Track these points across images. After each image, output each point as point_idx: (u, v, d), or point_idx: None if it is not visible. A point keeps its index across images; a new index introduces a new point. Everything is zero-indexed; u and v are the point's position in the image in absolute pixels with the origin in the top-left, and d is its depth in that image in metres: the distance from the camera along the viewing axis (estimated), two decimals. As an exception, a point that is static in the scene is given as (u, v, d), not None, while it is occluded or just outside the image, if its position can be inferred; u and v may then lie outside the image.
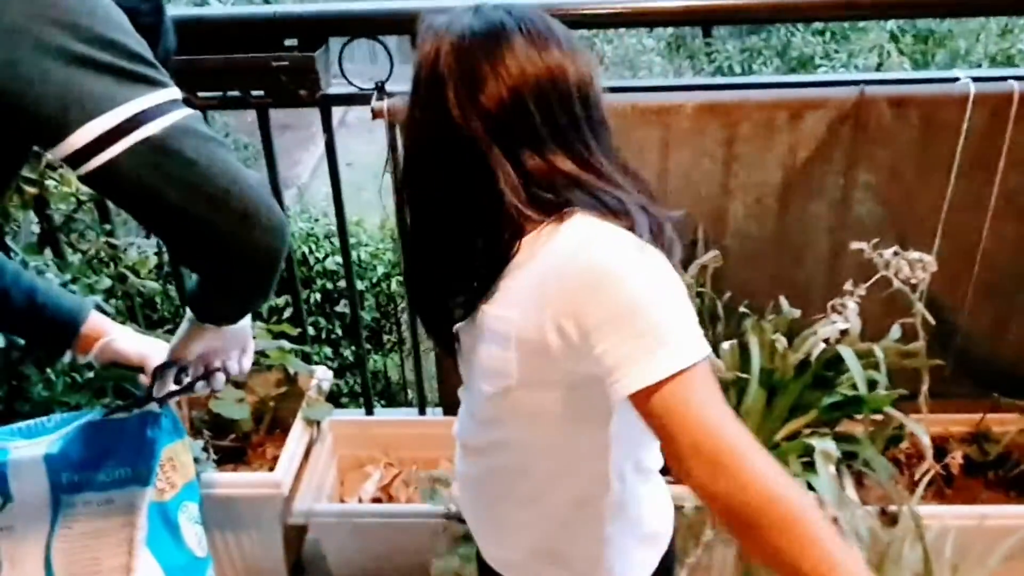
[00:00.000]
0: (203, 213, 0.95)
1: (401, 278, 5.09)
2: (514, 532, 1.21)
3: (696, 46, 5.43)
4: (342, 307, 5.04)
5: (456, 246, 1.07)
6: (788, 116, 1.79)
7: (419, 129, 1.05)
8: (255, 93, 1.85)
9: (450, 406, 2.31)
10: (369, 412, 2.43)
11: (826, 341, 1.62)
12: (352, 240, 5.12)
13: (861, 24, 4.33)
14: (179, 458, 1.48)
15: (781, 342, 1.62)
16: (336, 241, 5.14)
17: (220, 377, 1.35)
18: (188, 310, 1.25)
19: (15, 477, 1.37)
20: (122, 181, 0.93)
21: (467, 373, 1.15)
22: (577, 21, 1.87)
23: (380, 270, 5.27)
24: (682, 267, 1.80)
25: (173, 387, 1.35)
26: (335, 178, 2.07)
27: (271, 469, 2.05)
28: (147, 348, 1.39)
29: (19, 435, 1.42)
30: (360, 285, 5.16)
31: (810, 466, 1.57)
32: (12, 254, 1.75)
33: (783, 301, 1.79)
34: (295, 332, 2.20)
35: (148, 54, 0.98)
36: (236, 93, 1.84)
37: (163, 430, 1.44)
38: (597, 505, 1.12)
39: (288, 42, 1.82)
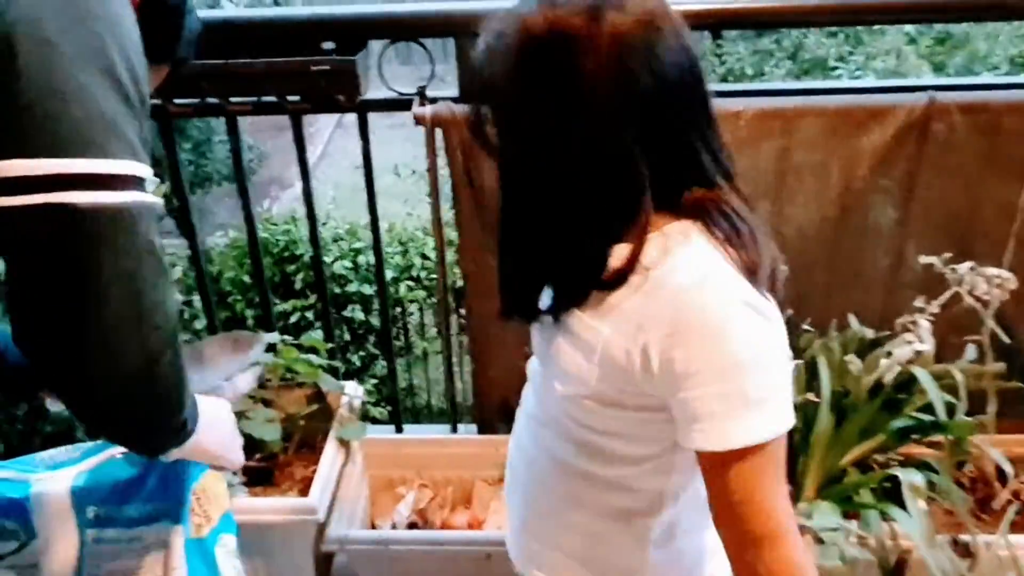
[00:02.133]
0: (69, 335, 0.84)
1: (410, 283, 5.04)
2: (556, 529, 1.20)
3: (706, 48, 5.36)
4: (349, 312, 4.96)
5: (561, 249, 0.98)
6: (852, 124, 1.72)
7: (538, 126, 0.93)
8: (291, 98, 1.77)
9: (485, 423, 2.23)
10: (399, 430, 2.35)
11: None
12: (360, 244, 5.11)
13: (876, 26, 4.29)
14: (212, 489, 1.41)
15: (855, 364, 1.54)
16: (344, 244, 5.08)
17: None
18: None
19: (38, 512, 1.31)
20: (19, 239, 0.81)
21: (543, 354, 1.11)
22: None
23: (388, 275, 5.19)
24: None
25: None
26: (370, 186, 2.00)
27: (301, 491, 1.97)
28: None
29: (43, 467, 1.36)
30: (368, 289, 5.10)
31: (887, 495, 1.50)
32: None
33: (852, 319, 1.71)
34: (326, 347, 2.12)
35: (146, 101, 0.88)
36: (271, 98, 1.75)
37: (192, 462, 1.37)
38: (646, 524, 1.11)
39: (326, 45, 1.74)
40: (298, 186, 7.42)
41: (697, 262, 0.91)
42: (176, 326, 0.93)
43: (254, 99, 1.77)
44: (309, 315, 4.93)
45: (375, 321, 5.15)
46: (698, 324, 0.88)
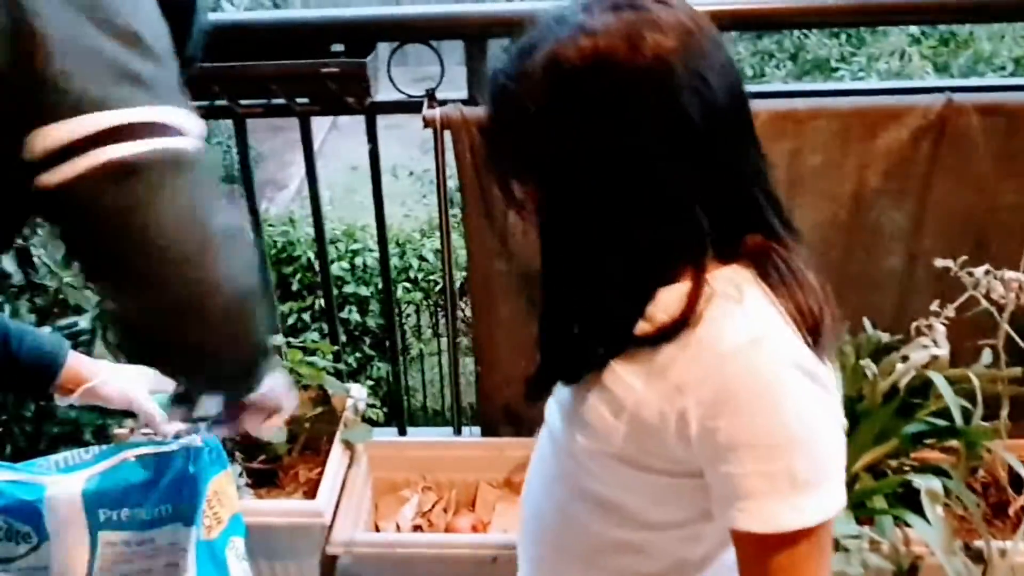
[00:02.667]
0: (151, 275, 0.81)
1: (407, 285, 5.03)
2: None
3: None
4: (346, 313, 4.95)
5: (606, 299, 0.88)
6: (867, 126, 1.71)
7: (578, 171, 0.81)
8: (300, 100, 1.76)
9: (489, 426, 2.22)
10: (402, 432, 2.33)
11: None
12: (357, 245, 5.10)
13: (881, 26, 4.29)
14: (224, 490, 1.40)
15: (871, 368, 1.53)
16: (341, 246, 5.06)
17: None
18: None
19: (51, 515, 1.30)
20: (76, 210, 0.78)
21: (564, 401, 0.99)
22: None
23: (380, 274, 5.17)
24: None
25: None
26: (377, 189, 1.98)
27: (305, 493, 1.97)
28: (133, 389, 1.29)
29: (55, 469, 1.35)
30: (365, 291, 5.08)
31: (901, 500, 1.50)
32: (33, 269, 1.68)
33: (867, 323, 1.70)
34: (331, 349, 2.11)
35: (167, 53, 0.84)
36: (280, 101, 1.74)
37: (206, 463, 1.36)
38: None
39: (335, 47, 1.73)
40: (293, 187, 7.42)
41: (750, 319, 0.82)
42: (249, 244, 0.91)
43: (263, 102, 1.76)
44: (306, 317, 4.92)
45: (372, 323, 5.14)
46: (747, 392, 0.80)
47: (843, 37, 4.59)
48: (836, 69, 4.54)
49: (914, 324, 1.59)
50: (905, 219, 1.79)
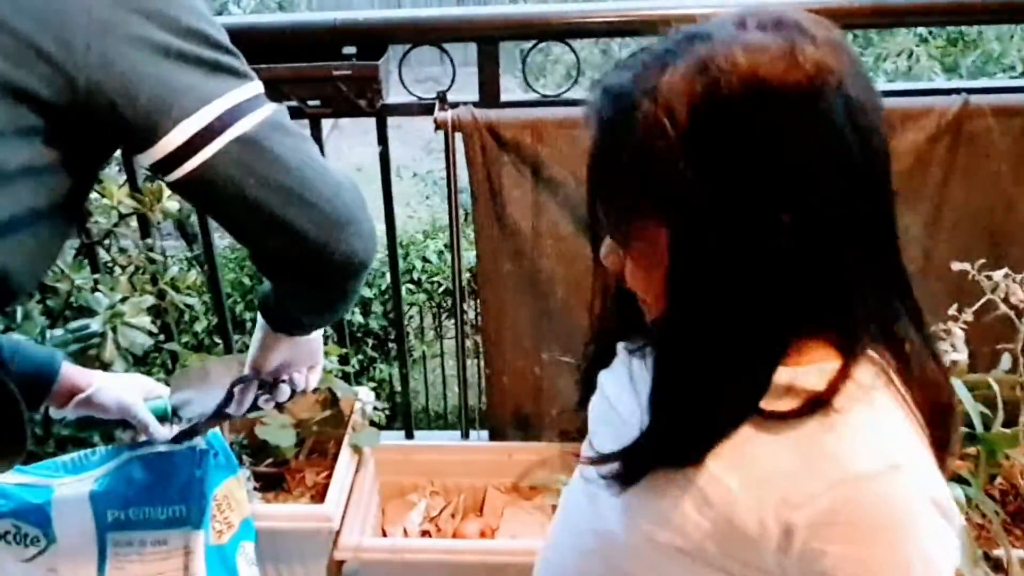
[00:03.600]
0: (299, 221, 0.88)
1: (410, 286, 5.01)
2: None
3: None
4: (349, 314, 4.91)
5: (728, 370, 0.75)
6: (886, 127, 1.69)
7: (730, 187, 0.68)
8: (311, 103, 1.75)
9: (497, 430, 2.21)
10: (409, 436, 2.32)
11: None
12: (361, 247, 5.09)
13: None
14: (234, 495, 1.40)
15: (888, 373, 1.51)
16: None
17: (285, 389, 1.24)
18: (261, 318, 1.16)
19: (59, 517, 1.29)
20: (217, 185, 0.86)
21: (640, 500, 0.84)
22: (592, 30, 1.83)
23: (389, 278, 5.14)
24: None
25: (250, 403, 1.26)
26: (387, 192, 1.97)
27: (313, 497, 1.96)
28: (128, 397, 1.27)
29: (64, 470, 1.35)
30: (368, 292, 5.06)
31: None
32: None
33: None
34: (339, 352, 2.10)
35: (228, 41, 0.89)
36: (292, 103, 1.73)
37: (213, 467, 1.36)
38: None
39: (346, 50, 1.72)
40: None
41: (885, 438, 0.72)
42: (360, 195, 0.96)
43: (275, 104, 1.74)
44: (308, 318, 4.89)
45: (374, 324, 5.12)
46: (874, 523, 0.70)
47: (849, 37, 4.55)
48: None
49: (932, 329, 1.57)
50: (920, 222, 1.77)
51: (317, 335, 1.21)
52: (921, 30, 3.94)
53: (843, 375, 0.72)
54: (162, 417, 1.31)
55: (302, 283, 0.99)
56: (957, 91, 1.70)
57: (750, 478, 0.75)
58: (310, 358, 1.24)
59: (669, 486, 0.79)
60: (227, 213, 0.90)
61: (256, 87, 0.88)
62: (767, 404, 0.74)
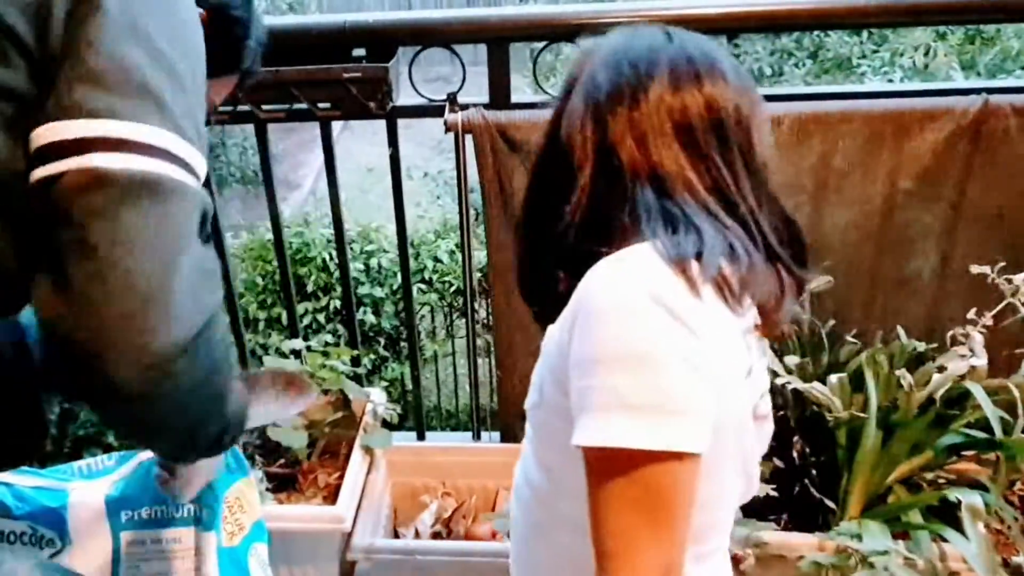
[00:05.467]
0: (87, 302, 0.77)
1: (422, 286, 5.01)
2: (527, 568, 1.10)
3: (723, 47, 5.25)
4: (361, 314, 4.93)
5: (545, 244, 0.97)
6: (901, 129, 1.67)
7: (556, 146, 0.95)
8: (321, 105, 1.74)
9: (508, 430, 2.20)
10: (421, 437, 2.32)
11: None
12: (372, 247, 5.08)
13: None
14: (245, 497, 1.40)
15: (906, 378, 1.50)
16: (356, 247, 5.05)
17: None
18: None
19: (74, 519, 1.31)
20: (51, 206, 0.77)
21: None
22: (602, 30, 1.76)
23: (400, 277, 5.15)
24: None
25: None
26: (398, 193, 1.97)
27: (325, 498, 1.95)
28: None
29: (80, 475, 1.37)
30: (379, 292, 5.06)
31: (936, 514, 1.46)
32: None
33: (900, 332, 1.67)
34: (350, 355, 2.10)
35: (195, 84, 0.86)
36: (302, 105, 1.72)
37: (224, 469, 1.36)
38: None
39: (356, 52, 1.71)
40: (306, 187, 7.40)
41: (617, 257, 0.85)
42: (219, 328, 0.87)
43: (285, 106, 1.74)
44: (321, 318, 4.91)
45: (386, 324, 5.12)
46: (590, 309, 0.82)
47: (864, 34, 4.48)
48: (858, 67, 4.44)
49: (950, 333, 1.55)
50: (938, 223, 1.75)
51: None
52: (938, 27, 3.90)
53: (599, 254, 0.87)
54: None
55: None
56: (976, 91, 1.68)
57: (559, 320, 0.89)
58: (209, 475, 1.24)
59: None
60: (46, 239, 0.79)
61: (158, 135, 0.80)
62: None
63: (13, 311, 0.87)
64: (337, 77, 1.66)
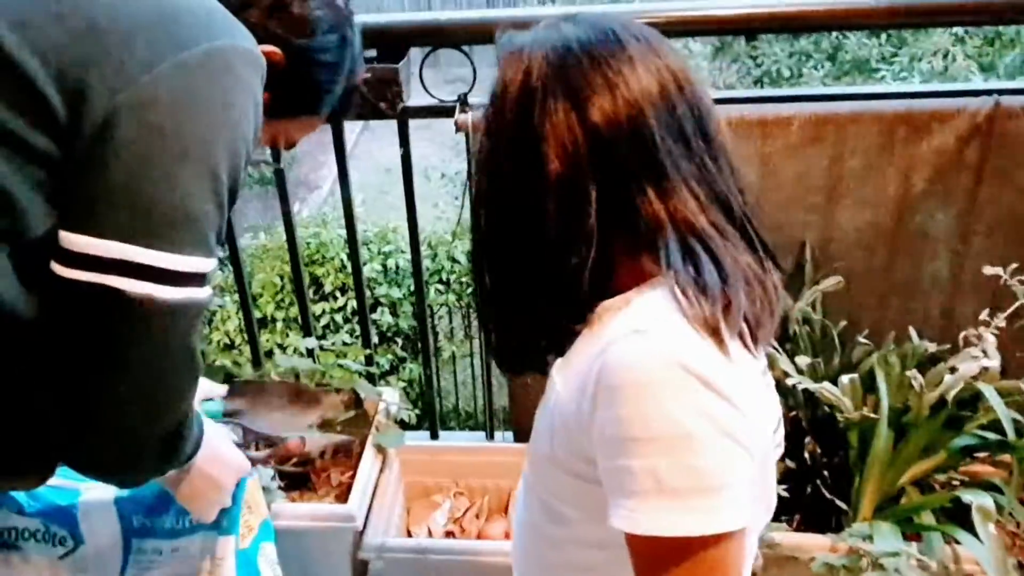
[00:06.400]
0: (98, 401, 0.85)
1: (440, 286, 5.02)
2: None
3: (741, 49, 5.24)
4: (378, 315, 4.95)
5: (533, 293, 0.89)
6: (911, 129, 1.66)
7: (502, 162, 0.87)
8: (333, 105, 1.75)
9: (522, 431, 2.20)
10: (434, 436, 2.32)
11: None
12: (389, 247, 5.10)
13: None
14: (252, 497, 1.40)
15: (918, 379, 1.49)
16: (373, 248, 5.07)
17: None
18: None
19: (85, 519, 1.32)
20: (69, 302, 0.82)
21: (534, 427, 1.00)
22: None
23: (413, 277, 5.16)
24: (790, 291, 1.71)
25: None
26: (410, 193, 1.97)
27: (337, 497, 1.96)
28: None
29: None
30: (397, 293, 5.08)
31: (949, 516, 1.45)
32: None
33: (912, 333, 1.66)
34: (363, 352, 2.10)
35: (231, 192, 0.88)
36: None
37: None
38: None
39: (367, 53, 1.71)
40: (326, 188, 7.44)
41: (640, 307, 0.81)
42: (187, 409, 0.94)
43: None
44: (338, 318, 4.94)
45: (404, 324, 5.14)
46: (620, 382, 0.76)
47: (883, 37, 4.46)
48: (876, 70, 4.41)
49: (963, 334, 1.54)
50: (951, 225, 1.74)
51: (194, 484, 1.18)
52: (957, 29, 3.87)
53: (597, 297, 0.85)
54: (214, 420, 1.33)
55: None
56: (988, 92, 1.66)
57: (570, 372, 0.86)
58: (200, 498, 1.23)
59: (540, 406, 0.94)
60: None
61: (187, 262, 0.84)
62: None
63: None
64: (348, 77, 1.66)
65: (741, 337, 0.80)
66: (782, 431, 0.96)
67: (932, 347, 1.62)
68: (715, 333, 0.77)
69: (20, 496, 1.30)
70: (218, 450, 1.17)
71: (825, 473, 1.62)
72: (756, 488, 0.83)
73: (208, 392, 1.34)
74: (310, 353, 2.09)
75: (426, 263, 5.05)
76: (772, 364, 1.59)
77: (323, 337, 4.64)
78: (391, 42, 1.70)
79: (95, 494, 1.32)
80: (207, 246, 0.85)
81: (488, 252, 0.94)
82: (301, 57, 1.02)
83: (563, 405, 0.86)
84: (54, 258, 0.81)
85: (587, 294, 0.84)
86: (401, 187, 1.96)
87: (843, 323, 1.70)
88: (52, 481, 1.32)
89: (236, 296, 2.56)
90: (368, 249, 5.05)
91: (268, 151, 1.74)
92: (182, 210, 0.82)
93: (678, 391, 0.75)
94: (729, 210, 0.86)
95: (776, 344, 1.62)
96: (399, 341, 5.10)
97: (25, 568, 1.30)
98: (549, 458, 0.90)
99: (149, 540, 1.34)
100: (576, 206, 0.82)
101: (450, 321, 5.20)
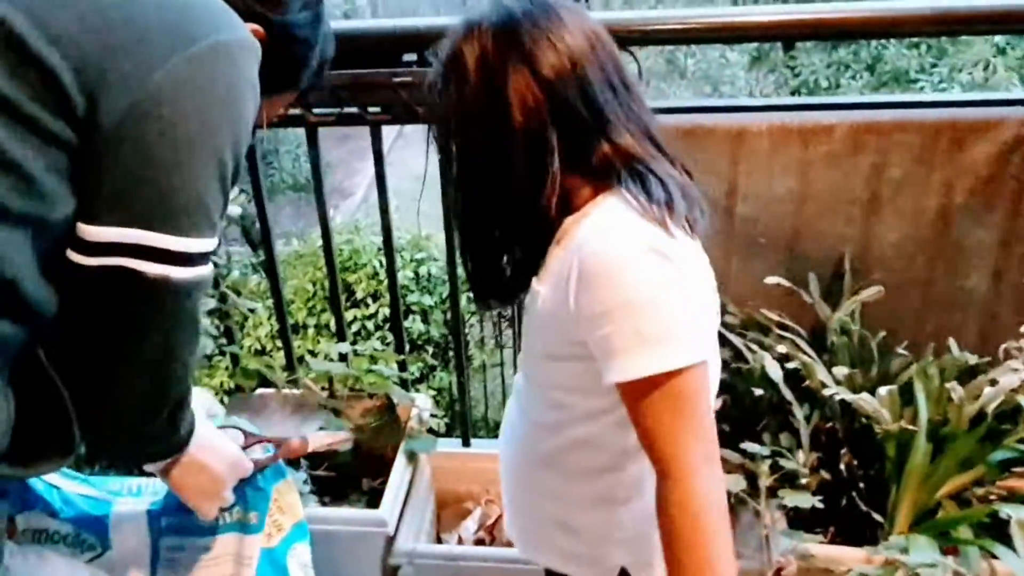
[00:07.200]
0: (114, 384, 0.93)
1: (471, 294, 5.01)
2: (533, 496, 1.28)
3: (779, 59, 5.19)
4: (409, 322, 4.96)
5: (508, 230, 1.11)
6: (953, 139, 1.64)
7: (472, 125, 1.05)
8: (371, 110, 1.76)
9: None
10: (466, 443, 2.32)
11: (999, 390, 1.46)
12: (422, 255, 5.11)
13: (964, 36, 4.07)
14: (284, 498, 1.42)
15: (957, 391, 1.47)
16: (406, 255, 5.09)
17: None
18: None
19: (116, 529, 1.34)
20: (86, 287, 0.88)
21: (524, 335, 1.21)
22: (655, 38, 1.78)
23: (448, 285, 5.16)
24: (828, 301, 1.69)
25: None
26: (446, 200, 1.97)
27: (368, 502, 1.96)
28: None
29: (128, 493, 1.40)
30: (428, 300, 5.10)
31: (986, 530, 1.43)
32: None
33: (952, 344, 1.63)
34: (395, 359, 2.11)
35: (236, 174, 0.94)
36: (353, 109, 1.74)
37: (271, 474, 1.39)
38: (610, 482, 1.18)
39: (407, 57, 1.72)
40: (359, 195, 7.49)
41: (605, 214, 1.01)
42: (188, 386, 1.02)
43: (336, 110, 1.76)
44: (370, 325, 4.96)
45: (435, 332, 5.15)
46: (596, 268, 0.97)
47: (923, 48, 4.40)
48: (916, 80, 4.36)
49: (1003, 346, 1.52)
50: (991, 236, 1.71)
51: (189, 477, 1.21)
52: (999, 40, 3.82)
53: (561, 216, 1.06)
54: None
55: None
56: (1028, 101, 1.64)
57: (550, 280, 1.06)
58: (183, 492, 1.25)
59: (527, 316, 1.15)
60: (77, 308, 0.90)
61: (198, 244, 0.90)
62: None
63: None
64: (387, 82, 1.67)
65: (682, 225, 1.02)
66: (718, 299, 1.17)
67: (972, 359, 1.59)
68: (663, 224, 0.99)
69: (55, 501, 1.31)
70: (211, 441, 1.22)
71: (861, 485, 1.60)
72: (711, 339, 1.10)
73: (209, 411, 1.36)
74: (343, 358, 2.10)
75: (459, 271, 5.03)
76: (810, 374, 1.57)
77: (354, 343, 4.65)
78: (429, 46, 1.71)
79: (128, 506, 1.35)
80: (214, 226, 0.91)
81: (466, 204, 1.12)
82: (280, 34, 1.07)
83: (547, 304, 1.06)
84: (72, 248, 0.86)
85: (554, 218, 1.05)
86: (434, 194, 1.96)
87: (882, 334, 1.68)
88: (87, 491, 1.35)
89: (268, 302, 2.58)
90: (400, 256, 5.07)
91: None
92: (194, 197, 0.88)
93: (642, 266, 0.97)
94: (653, 139, 1.07)
95: (813, 353, 1.61)
96: (429, 349, 5.11)
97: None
98: (545, 355, 1.13)
99: (177, 539, 1.36)
100: (541, 153, 1.01)
101: (481, 330, 5.21)
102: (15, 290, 0.84)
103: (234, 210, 2.04)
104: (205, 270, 0.92)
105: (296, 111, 1.75)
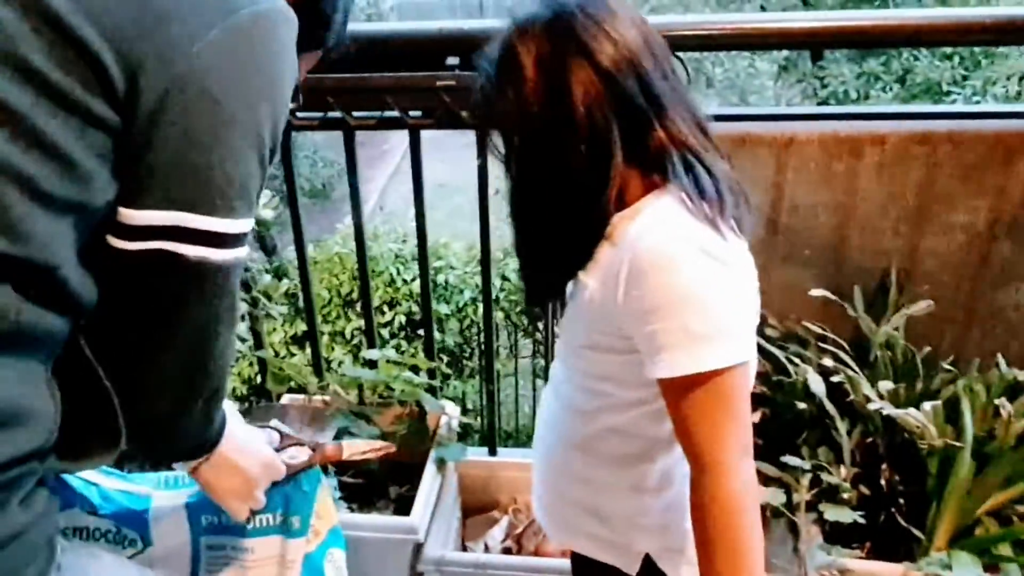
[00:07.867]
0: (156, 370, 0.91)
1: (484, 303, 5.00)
2: (565, 480, 1.29)
3: (807, 69, 5.13)
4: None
5: (568, 228, 1.09)
6: (1006, 151, 1.62)
7: (533, 123, 1.04)
8: (412, 113, 1.75)
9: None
10: (492, 452, 2.30)
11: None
12: (439, 263, 5.11)
13: (1000, 48, 3.98)
14: (323, 503, 1.40)
15: (1006, 408, 1.45)
16: (424, 262, 5.05)
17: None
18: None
19: (156, 524, 1.32)
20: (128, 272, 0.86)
21: (564, 321, 1.21)
22: (682, 44, 1.74)
23: (467, 295, 5.17)
24: (871, 314, 1.68)
25: None
26: (484, 206, 1.97)
27: (396, 509, 1.95)
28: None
29: (164, 485, 1.38)
30: (445, 309, 5.09)
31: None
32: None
33: (1000, 360, 1.62)
34: (427, 365, 2.10)
35: (274, 150, 0.91)
36: (393, 113, 1.73)
37: (315, 479, 1.37)
38: (642, 471, 1.19)
39: (450, 60, 1.71)
40: (372, 202, 7.45)
41: (655, 212, 1.02)
42: (225, 375, 1.00)
43: (377, 114, 1.75)
44: (384, 333, 4.94)
45: (449, 341, 5.14)
46: (648, 265, 0.99)
47: (956, 59, 4.34)
48: (948, 93, 4.27)
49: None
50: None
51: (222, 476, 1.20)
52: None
53: (613, 211, 1.05)
54: None
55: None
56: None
57: (600, 274, 1.07)
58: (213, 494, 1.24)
59: (571, 307, 1.16)
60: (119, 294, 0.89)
61: (237, 225, 0.88)
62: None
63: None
64: (430, 85, 1.65)
65: (732, 228, 1.03)
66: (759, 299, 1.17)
67: (1021, 375, 1.57)
68: (714, 223, 1.00)
69: (94, 497, 1.30)
70: (246, 442, 1.20)
71: (901, 500, 1.58)
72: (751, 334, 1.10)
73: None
74: (372, 364, 2.09)
75: (476, 280, 5.04)
76: (854, 388, 1.56)
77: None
78: (475, 50, 1.70)
79: (167, 500, 1.33)
80: (251, 206, 0.89)
81: (525, 204, 1.12)
82: None
83: (595, 296, 1.07)
84: (112, 233, 0.84)
85: (610, 212, 1.05)
86: (451, 203, 1.96)
87: (927, 349, 1.66)
88: (126, 486, 1.33)
89: (282, 308, 2.57)
90: (416, 264, 5.07)
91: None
92: (235, 177, 0.85)
93: (693, 265, 0.99)
94: (704, 129, 1.07)
95: (856, 367, 1.59)
96: (444, 358, 5.09)
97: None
98: (588, 346, 1.14)
99: (219, 538, 1.34)
100: (605, 145, 1.01)
101: (497, 338, 5.18)
102: (60, 281, 0.82)
103: (266, 213, 2.03)
104: (243, 251, 0.90)
105: (336, 114, 1.74)
